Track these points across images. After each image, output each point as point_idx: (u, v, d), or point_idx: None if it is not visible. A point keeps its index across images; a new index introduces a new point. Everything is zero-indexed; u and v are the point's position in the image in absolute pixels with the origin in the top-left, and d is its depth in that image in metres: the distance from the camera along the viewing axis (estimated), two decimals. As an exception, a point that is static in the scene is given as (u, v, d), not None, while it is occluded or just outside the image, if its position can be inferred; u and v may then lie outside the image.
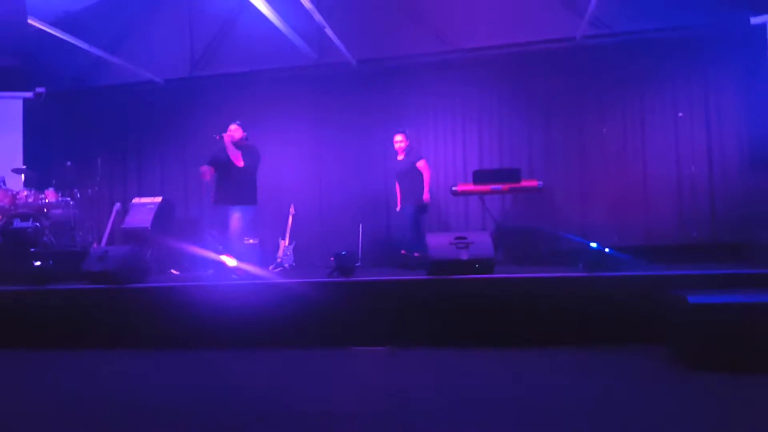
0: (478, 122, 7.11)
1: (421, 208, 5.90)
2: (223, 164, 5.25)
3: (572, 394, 2.51)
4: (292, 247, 6.82)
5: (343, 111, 7.39)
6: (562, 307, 3.50)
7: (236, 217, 5.17)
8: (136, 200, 7.02)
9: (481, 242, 3.95)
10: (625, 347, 3.26)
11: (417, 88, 7.25)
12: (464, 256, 3.86)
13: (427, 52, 7.10)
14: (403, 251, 5.87)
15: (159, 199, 6.90)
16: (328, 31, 6.58)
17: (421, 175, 5.86)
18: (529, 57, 6.90)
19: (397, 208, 6.01)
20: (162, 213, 6.81)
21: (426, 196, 5.81)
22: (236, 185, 5.22)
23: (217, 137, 5.23)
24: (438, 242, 3.98)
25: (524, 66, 6.93)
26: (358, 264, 6.35)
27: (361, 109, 7.34)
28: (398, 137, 6.02)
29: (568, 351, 3.31)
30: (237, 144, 5.26)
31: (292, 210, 7.01)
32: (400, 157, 6.06)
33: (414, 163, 5.93)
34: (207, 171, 5.31)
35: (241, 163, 5.18)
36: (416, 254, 5.77)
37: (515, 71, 6.97)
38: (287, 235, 6.80)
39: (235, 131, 5.30)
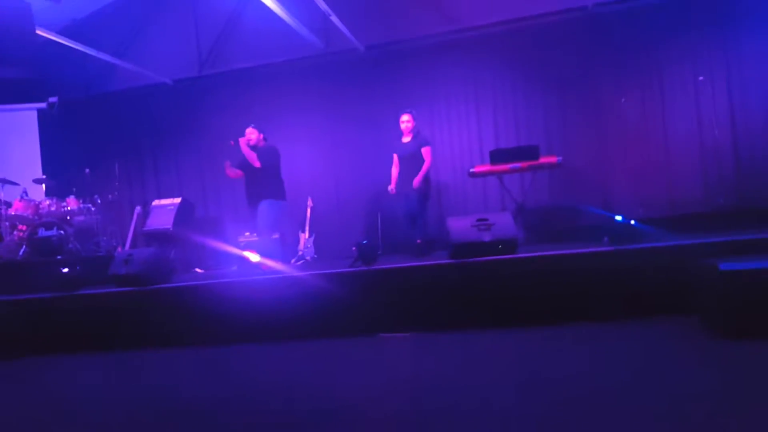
0: (493, 101, 7.05)
1: (426, 194, 5.84)
2: (248, 166, 5.45)
3: (608, 372, 2.50)
4: (312, 239, 6.88)
5: (353, 99, 7.38)
6: (590, 283, 3.48)
7: (263, 212, 5.35)
8: (156, 202, 7.13)
9: (503, 223, 3.93)
10: (657, 319, 3.23)
11: (428, 71, 7.20)
12: (486, 237, 3.84)
13: (436, 33, 7.04)
14: (419, 240, 5.78)
15: (178, 199, 6.99)
16: (334, 19, 6.55)
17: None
18: (540, 30, 6.81)
19: (390, 188, 5.88)
20: (182, 213, 6.91)
21: (418, 181, 5.69)
22: (259, 184, 5.43)
23: (232, 143, 5.35)
24: (459, 225, 3.97)
25: (536, 40, 6.84)
26: (379, 252, 6.38)
27: (372, 96, 7.32)
28: (405, 117, 5.89)
29: (599, 326, 3.29)
30: (254, 146, 5.38)
31: (310, 203, 7.06)
32: (406, 139, 5.92)
33: (420, 147, 5.82)
34: (231, 170, 5.52)
35: (257, 164, 5.34)
36: (418, 241, 5.74)
37: (527, 46, 6.88)
38: (307, 228, 6.85)
39: (250, 134, 5.45)
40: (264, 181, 5.44)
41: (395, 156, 5.99)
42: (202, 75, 7.85)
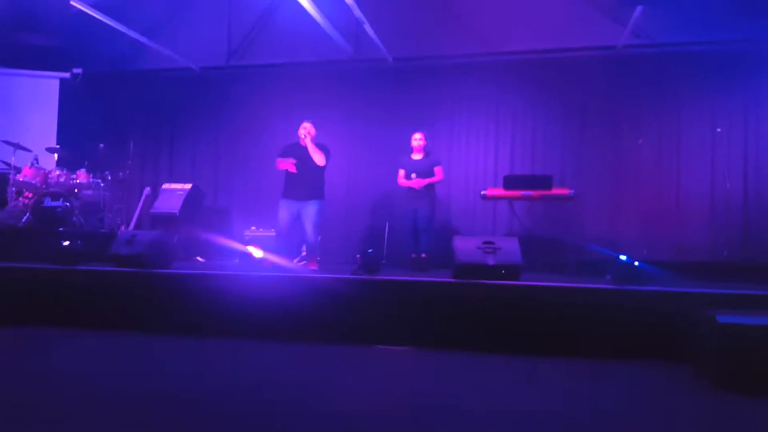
0: (512, 127, 7.13)
1: (433, 211, 6.05)
2: (298, 161, 5.36)
3: (593, 408, 2.55)
4: (318, 241, 6.93)
5: (375, 108, 7.45)
6: (589, 319, 3.52)
7: (314, 212, 5.34)
8: (166, 186, 7.16)
9: (509, 248, 3.97)
10: (650, 363, 3.26)
11: (451, 90, 7.29)
12: (491, 261, 3.88)
13: (464, 54, 7.12)
14: (413, 255, 5.96)
15: (189, 185, 7.02)
16: (367, 27, 6.65)
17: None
18: (567, 63, 6.89)
19: (411, 182, 5.99)
20: (191, 200, 6.93)
21: (424, 182, 5.89)
22: (314, 181, 5.39)
23: (302, 143, 5.36)
24: (465, 245, 4.01)
25: (562, 72, 6.92)
26: (383, 262, 6.44)
27: (394, 107, 7.39)
28: (419, 135, 6.10)
29: (593, 363, 3.32)
30: (317, 144, 5.40)
31: (319, 204, 7.11)
32: (417, 156, 6.11)
33: (433, 165, 6.03)
34: (286, 163, 5.37)
35: (323, 163, 5.35)
36: (423, 255, 5.90)
37: (552, 77, 6.96)
38: (313, 230, 6.90)
39: (311, 129, 5.42)
40: (319, 180, 5.41)
41: (402, 171, 6.14)
42: (230, 65, 7.92)
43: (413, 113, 7.30)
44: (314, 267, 5.34)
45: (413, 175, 5.99)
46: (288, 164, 5.35)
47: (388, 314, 3.78)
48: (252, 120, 7.78)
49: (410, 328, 3.73)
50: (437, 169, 6.08)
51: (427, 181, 5.98)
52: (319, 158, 5.35)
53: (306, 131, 5.39)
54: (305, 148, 5.37)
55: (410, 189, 6.01)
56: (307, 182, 5.34)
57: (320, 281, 4.04)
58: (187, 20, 7.96)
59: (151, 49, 7.74)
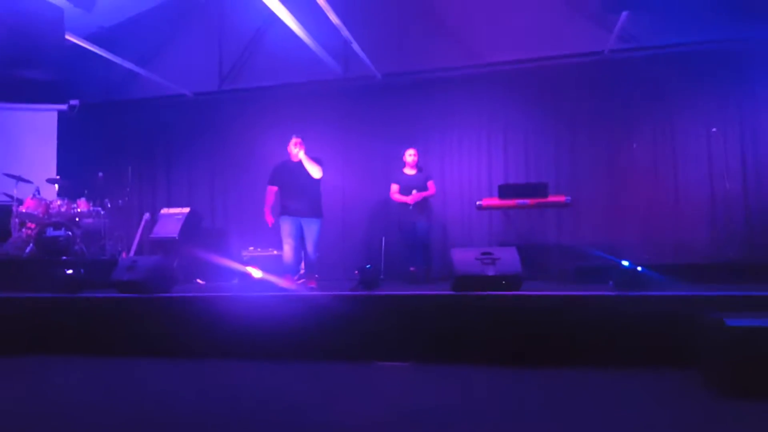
0: (504, 136, 7.06)
1: (432, 224, 6.21)
2: (291, 176, 5.31)
3: (602, 419, 2.43)
4: (317, 259, 6.83)
5: (366, 124, 7.42)
6: (592, 327, 3.42)
7: (316, 230, 5.30)
8: (164, 211, 7.13)
9: (509, 258, 3.89)
10: (656, 370, 3.16)
11: (442, 102, 7.25)
12: (490, 271, 3.81)
13: (453, 66, 7.10)
14: (412, 268, 6.03)
15: (187, 210, 7.00)
16: (355, 46, 6.64)
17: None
18: (556, 71, 6.85)
19: (412, 198, 6.06)
20: (189, 223, 6.91)
21: (419, 196, 5.98)
22: (314, 197, 5.34)
23: (293, 159, 5.29)
24: (463, 257, 3.93)
25: (551, 80, 6.88)
26: (381, 277, 6.36)
27: (386, 123, 7.36)
28: (412, 151, 6.27)
29: (597, 372, 3.22)
30: (310, 156, 5.33)
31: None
32: (411, 171, 6.27)
33: (427, 180, 6.20)
34: (271, 197, 5.38)
35: (320, 174, 5.29)
36: (412, 269, 6.03)
37: (542, 85, 6.91)
38: (311, 247, 6.82)
39: (302, 144, 5.34)
40: (318, 195, 5.36)
41: (395, 186, 6.23)
42: (222, 89, 7.93)
43: (404, 127, 7.26)
44: (313, 285, 5.25)
45: (414, 191, 6.04)
46: (269, 221, 5.36)
47: (389, 330, 3.71)
48: (245, 141, 7.74)
49: (411, 344, 3.66)
50: (430, 183, 6.22)
51: (423, 195, 6.07)
52: (315, 170, 5.28)
53: (297, 145, 5.31)
54: (298, 164, 5.29)
55: (406, 204, 6.07)
56: (307, 198, 5.28)
57: (319, 299, 3.98)
58: (178, 47, 7.99)
59: (145, 78, 7.74)
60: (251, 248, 6.95)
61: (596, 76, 6.74)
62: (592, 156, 6.72)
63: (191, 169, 8.10)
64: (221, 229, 7.79)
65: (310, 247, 5.28)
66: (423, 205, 6.09)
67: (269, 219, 5.39)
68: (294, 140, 5.35)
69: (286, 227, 5.31)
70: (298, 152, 5.27)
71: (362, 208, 7.32)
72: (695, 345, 3.04)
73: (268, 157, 6.92)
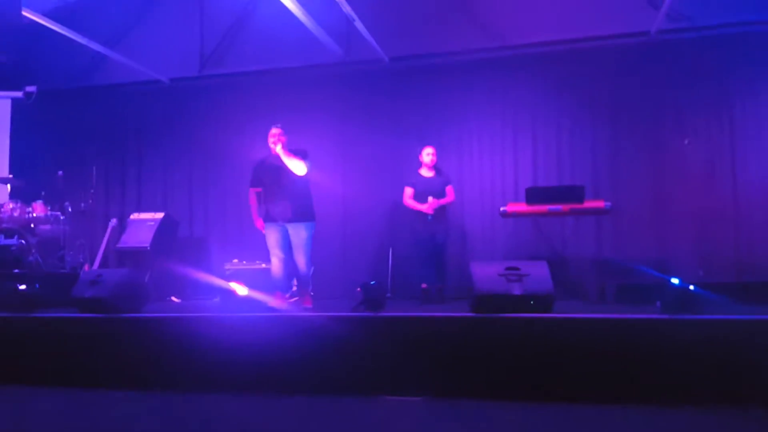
0: (532, 131, 7.06)
1: (448, 235, 6.25)
2: (272, 175, 5.30)
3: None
4: (310, 272, 6.84)
5: (372, 115, 7.44)
6: (636, 356, 3.40)
7: (306, 237, 5.27)
8: (134, 216, 7.16)
9: (538, 274, 3.88)
10: (712, 408, 3.14)
11: (460, 91, 7.26)
12: (517, 290, 3.79)
13: (473, 49, 7.12)
14: (425, 285, 6.07)
15: (160, 215, 7.02)
16: (358, 24, 6.65)
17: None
18: (593, 55, 6.86)
19: (428, 206, 6.04)
20: (163, 231, 6.93)
21: (436, 203, 6.00)
22: (300, 198, 5.28)
23: (273, 153, 5.27)
24: (485, 273, 3.92)
25: (588, 65, 6.89)
26: (388, 296, 6.36)
27: (393, 115, 7.38)
28: (430, 150, 6.28)
29: (644, 411, 3.20)
30: (290, 150, 5.29)
31: (311, 230, 7.05)
32: (429, 174, 6.29)
33: (446, 185, 6.24)
34: (255, 201, 5.40)
35: (304, 170, 5.25)
36: (440, 286, 6.10)
37: (577, 71, 6.92)
38: (305, 260, 6.83)
39: (281, 135, 5.28)
40: (305, 195, 5.32)
41: (410, 190, 6.22)
42: (203, 75, 7.97)
43: (415, 120, 7.29)
44: (308, 304, 5.25)
45: (430, 198, 6.06)
46: (261, 227, 5.38)
47: (396, 358, 3.69)
48: (230, 136, 7.76)
49: (423, 375, 3.64)
50: (449, 189, 6.24)
51: (441, 202, 6.10)
52: (296, 166, 5.21)
53: (275, 138, 5.25)
54: (280, 160, 5.25)
55: (424, 212, 6.08)
56: (292, 199, 5.23)
57: (315, 322, 3.98)
58: (153, 27, 8.05)
59: (113, 61, 7.79)
60: (235, 261, 6.95)
61: (641, 60, 6.73)
62: (637, 154, 6.71)
63: (167, 167, 8.13)
64: (201, 238, 7.81)
65: (299, 257, 5.26)
66: (441, 213, 6.12)
67: (259, 224, 5.40)
68: (272, 131, 5.30)
69: (271, 237, 5.31)
70: (275, 146, 5.22)
71: (366, 214, 7.33)
72: (760, 378, 3.02)
73: (257, 154, 6.95)
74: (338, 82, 7.56)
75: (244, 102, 7.81)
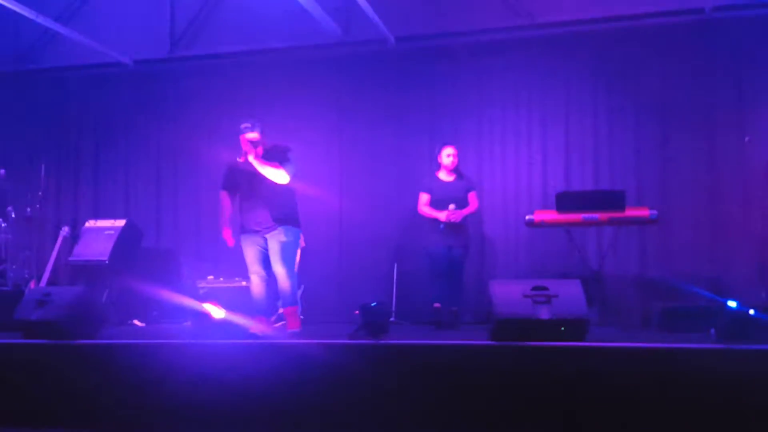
0: (565, 126, 7.10)
1: (468, 250, 6.34)
2: (248, 180, 5.33)
3: None
4: (300, 292, 6.86)
5: (375, 107, 7.50)
6: (687, 393, 3.41)
7: (288, 246, 5.26)
8: (90, 223, 7.16)
9: (570, 295, 3.89)
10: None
11: (478, 78, 7.31)
12: (544, 314, 3.81)
13: (494, 28, 7.17)
14: (437, 305, 6.09)
15: (122, 222, 7.02)
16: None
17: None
18: (638, 36, 6.91)
19: (448, 214, 6.10)
20: (125, 241, 6.93)
21: (460, 214, 6.09)
22: (280, 204, 5.29)
23: (241, 159, 5.30)
24: (507, 293, 3.94)
25: (631, 48, 6.93)
26: (392, 320, 6.37)
27: (400, 106, 7.44)
28: (451, 150, 6.35)
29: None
30: (267, 152, 5.30)
31: (301, 241, 7.06)
32: (448, 177, 6.37)
33: (468, 190, 6.33)
34: (226, 204, 5.46)
35: (286, 178, 5.25)
36: (454, 308, 6.17)
37: (618, 55, 6.97)
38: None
39: (254, 138, 5.27)
40: (285, 202, 5.33)
41: (426, 196, 6.29)
42: (174, 57, 8.00)
43: (427, 113, 7.34)
44: (295, 327, 5.25)
45: (451, 206, 6.11)
46: (228, 238, 5.42)
47: (402, 394, 3.70)
48: (206, 130, 7.80)
49: (433, 413, 3.64)
50: (472, 196, 6.32)
51: (464, 213, 6.18)
52: (276, 175, 5.21)
53: (246, 146, 5.23)
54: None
55: (441, 221, 6.11)
56: (270, 207, 5.25)
57: (305, 350, 3.99)
58: (115, 0, 8.04)
59: (67, 39, 7.81)
60: (210, 277, 6.96)
61: (693, 42, 6.77)
62: (688, 153, 6.73)
63: (129, 166, 8.17)
64: (170, 251, 7.83)
65: (278, 267, 5.22)
66: (463, 224, 6.19)
67: (226, 234, 5.43)
68: (243, 136, 5.26)
69: (249, 251, 5.35)
70: (248, 153, 5.22)
71: (367, 224, 7.35)
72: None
73: (237, 151, 6.98)
74: (335, 67, 7.61)
75: (222, 89, 7.85)
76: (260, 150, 5.30)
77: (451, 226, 6.08)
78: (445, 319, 6.05)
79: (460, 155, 6.74)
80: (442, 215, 6.08)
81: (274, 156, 5.29)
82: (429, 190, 6.31)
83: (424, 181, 6.44)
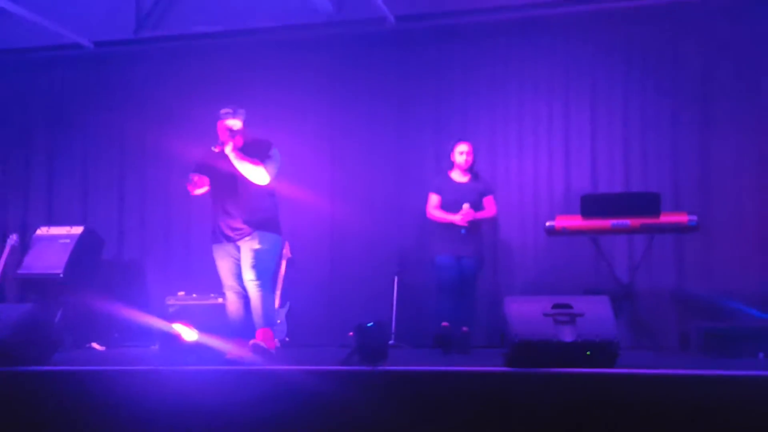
0: (591, 117, 7.12)
1: (482, 261, 6.37)
2: (226, 183, 5.27)
3: None
4: (285, 310, 6.86)
5: (371, 96, 7.52)
6: (732, 426, 3.41)
7: (265, 254, 5.18)
8: (42, 231, 7.17)
9: (597, 314, 3.91)
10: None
11: (490, 62, 7.35)
12: (568, 336, 3.82)
13: (508, 5, 7.19)
14: (445, 323, 6.07)
15: (79, 230, 7.03)
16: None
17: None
18: (674, 13, 6.93)
19: (461, 217, 6.14)
20: (83, 252, 6.93)
21: (473, 215, 6.14)
22: (257, 206, 5.24)
23: (216, 149, 5.22)
24: (525, 312, 3.95)
25: (668, 26, 6.97)
26: (391, 342, 6.35)
27: (401, 94, 7.47)
28: (465, 147, 6.36)
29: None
30: (247, 145, 5.25)
31: (287, 251, 7.05)
32: (462, 178, 6.39)
33: (484, 194, 6.33)
34: (198, 181, 5.26)
35: (266, 178, 5.22)
36: (464, 329, 6.12)
37: (653, 36, 7.00)
38: (277, 292, 6.84)
39: (234, 127, 5.24)
40: (265, 207, 5.28)
41: (436, 197, 6.33)
42: (140, 38, 7.99)
43: (431, 103, 7.37)
44: (269, 345, 5.12)
45: (465, 206, 6.15)
46: (195, 184, 5.23)
47: (402, 430, 3.68)
48: (177, 121, 7.82)
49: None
50: (488, 201, 6.34)
51: (479, 216, 6.20)
52: (254, 173, 5.17)
53: (225, 134, 5.22)
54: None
55: (451, 226, 6.15)
56: (245, 208, 5.22)
57: (291, 377, 3.99)
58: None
59: (16, 18, 7.77)
60: (181, 293, 6.95)
61: (742, 20, 6.75)
62: (734, 150, 6.74)
63: (87, 164, 8.17)
64: (134, 262, 7.84)
65: (248, 274, 5.13)
66: (474, 230, 6.20)
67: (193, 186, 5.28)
68: (221, 121, 5.27)
69: (221, 264, 5.30)
70: (225, 143, 5.17)
71: (363, 230, 7.36)
72: None
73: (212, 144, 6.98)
74: (326, 50, 7.64)
75: (196, 75, 7.88)
76: (239, 141, 5.25)
77: (461, 234, 6.11)
78: (454, 340, 6.02)
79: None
80: (456, 217, 6.10)
81: (254, 151, 5.24)
82: (438, 191, 6.34)
83: (434, 181, 6.46)
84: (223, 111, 5.33)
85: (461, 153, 6.33)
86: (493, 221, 6.86)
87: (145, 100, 8.02)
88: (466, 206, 6.11)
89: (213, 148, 5.29)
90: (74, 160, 8.22)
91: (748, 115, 6.77)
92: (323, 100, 7.58)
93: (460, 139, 6.44)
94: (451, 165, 6.41)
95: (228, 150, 5.16)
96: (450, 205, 6.22)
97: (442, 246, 6.22)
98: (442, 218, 6.23)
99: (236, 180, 5.23)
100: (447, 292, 6.18)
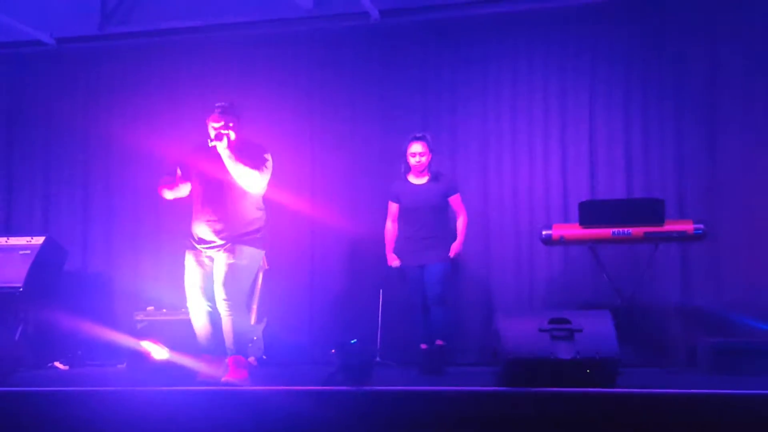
0: (590, 116, 7.12)
1: (454, 267, 6.29)
2: (212, 189, 5.17)
3: None
4: (261, 327, 6.84)
5: (354, 96, 7.53)
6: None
7: (238, 270, 5.06)
8: (0, 241, 7.12)
9: (597, 329, 3.93)
10: None
11: (482, 59, 7.35)
12: (565, 353, 3.84)
13: (495, -1, 7.22)
14: (424, 346, 6.07)
15: (40, 240, 7.00)
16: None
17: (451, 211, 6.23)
18: (675, 6, 6.95)
19: (393, 262, 6.25)
20: (44, 264, 6.91)
21: (457, 248, 6.15)
22: (243, 214, 5.16)
23: (211, 142, 5.07)
24: (519, 328, 3.97)
25: (668, 19, 6.97)
26: (377, 360, 6.34)
27: (385, 93, 7.48)
28: (418, 146, 6.15)
29: None
30: (239, 149, 5.09)
31: (263, 262, 7.03)
32: (419, 180, 6.25)
33: (447, 194, 6.21)
34: (179, 178, 5.17)
35: (259, 185, 5.18)
36: (439, 342, 6.05)
37: (655, 30, 7.01)
38: (254, 307, 6.82)
39: (227, 124, 5.14)
40: (248, 211, 5.16)
41: (394, 206, 6.29)
42: (106, 34, 8.00)
43: (417, 102, 7.38)
44: (237, 375, 4.94)
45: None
46: (172, 183, 5.13)
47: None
48: (145, 124, 7.80)
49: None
50: (455, 201, 6.23)
51: (460, 239, 6.19)
52: (248, 178, 5.08)
53: (219, 127, 5.11)
54: (220, 157, 5.08)
55: (407, 238, 6.17)
56: (230, 218, 5.11)
57: (268, 398, 4.03)
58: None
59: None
60: (150, 308, 6.91)
61: (747, 9, 6.78)
62: (742, 154, 6.74)
63: (49, 168, 8.14)
64: (100, 275, 7.81)
65: (221, 300, 4.99)
66: (434, 232, 6.11)
67: (167, 187, 5.21)
68: (214, 115, 5.18)
69: (191, 272, 5.18)
70: (217, 139, 5.03)
71: (346, 238, 7.38)
72: None
73: (184, 147, 6.97)
74: (305, 47, 7.65)
75: (166, 74, 7.87)
76: (234, 139, 5.12)
77: (421, 240, 6.08)
78: (433, 360, 5.95)
79: (458, 154, 6.76)
80: (393, 261, 6.24)
81: (246, 156, 5.10)
82: (397, 199, 6.23)
83: (391, 187, 6.33)
84: (217, 104, 5.24)
85: (412, 155, 6.13)
86: (472, 225, 6.61)
87: (111, 99, 7.98)
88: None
89: (208, 141, 5.13)
90: (35, 165, 8.17)
91: (757, 113, 6.78)
92: (302, 100, 7.57)
93: (414, 137, 6.22)
94: (408, 167, 6.25)
95: (221, 148, 5.00)
96: (410, 210, 6.15)
97: (402, 256, 6.20)
98: (388, 244, 6.28)
99: (223, 185, 5.13)
100: (415, 306, 6.15)
